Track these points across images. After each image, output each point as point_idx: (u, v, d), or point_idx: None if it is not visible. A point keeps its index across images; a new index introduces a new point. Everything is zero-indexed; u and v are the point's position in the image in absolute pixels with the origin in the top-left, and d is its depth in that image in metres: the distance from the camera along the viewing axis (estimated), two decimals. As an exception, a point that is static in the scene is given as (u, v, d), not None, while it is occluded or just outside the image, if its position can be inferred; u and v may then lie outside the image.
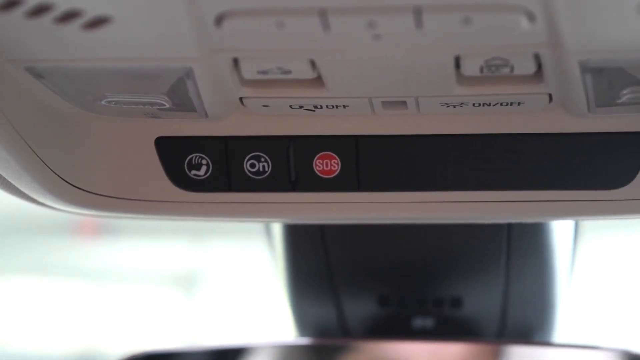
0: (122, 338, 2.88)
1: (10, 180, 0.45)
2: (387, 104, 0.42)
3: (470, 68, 0.38)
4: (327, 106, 0.42)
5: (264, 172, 0.45)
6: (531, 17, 0.34)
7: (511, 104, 0.41)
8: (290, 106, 0.42)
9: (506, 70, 0.38)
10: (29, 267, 3.07)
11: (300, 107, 0.42)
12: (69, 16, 0.34)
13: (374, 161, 0.45)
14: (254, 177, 0.45)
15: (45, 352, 2.89)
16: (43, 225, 2.89)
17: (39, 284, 3.06)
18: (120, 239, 3.09)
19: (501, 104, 0.41)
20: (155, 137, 0.45)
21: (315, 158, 0.45)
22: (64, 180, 0.45)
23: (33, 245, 3.04)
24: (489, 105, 0.42)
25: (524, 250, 0.65)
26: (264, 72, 0.39)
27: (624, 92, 0.40)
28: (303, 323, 0.71)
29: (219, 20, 0.34)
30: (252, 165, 0.45)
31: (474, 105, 0.42)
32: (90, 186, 0.46)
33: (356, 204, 0.45)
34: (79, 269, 3.07)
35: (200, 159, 0.45)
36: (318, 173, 0.45)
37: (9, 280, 3.08)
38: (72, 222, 3.03)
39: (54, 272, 3.08)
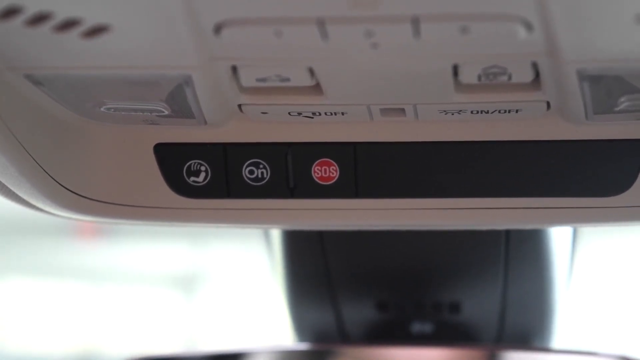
0: (122, 339, 2.88)
1: (9, 186, 0.45)
2: (385, 111, 0.42)
3: (468, 76, 0.38)
4: (325, 113, 0.42)
5: (263, 178, 0.45)
6: (529, 27, 0.34)
7: (509, 111, 0.41)
8: (289, 113, 0.42)
9: (504, 78, 0.38)
10: (29, 268, 3.07)
11: (299, 114, 0.42)
12: (68, 25, 0.34)
13: (373, 168, 0.45)
14: (252, 183, 0.45)
15: (44, 353, 2.89)
16: (43, 226, 2.89)
17: (39, 285, 3.06)
18: (120, 241, 3.09)
19: (499, 112, 0.42)
20: (154, 143, 0.45)
21: (314, 165, 0.45)
22: (63, 186, 0.45)
23: (33, 246, 3.04)
24: (487, 112, 0.42)
25: (522, 255, 0.65)
26: (262, 80, 0.39)
27: (622, 99, 0.40)
28: (301, 328, 0.71)
29: (218, 28, 0.34)
30: (251, 172, 0.45)
31: (472, 112, 0.42)
32: (90, 192, 0.46)
33: (354, 211, 0.45)
34: (79, 270, 3.07)
35: (199, 166, 0.45)
36: (316, 180, 0.45)
37: (9, 281, 3.08)
38: (72, 224, 3.03)
39: (54, 273, 3.08)
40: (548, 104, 0.41)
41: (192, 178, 0.45)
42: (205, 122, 0.43)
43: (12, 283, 3.08)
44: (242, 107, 0.42)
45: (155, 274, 3.08)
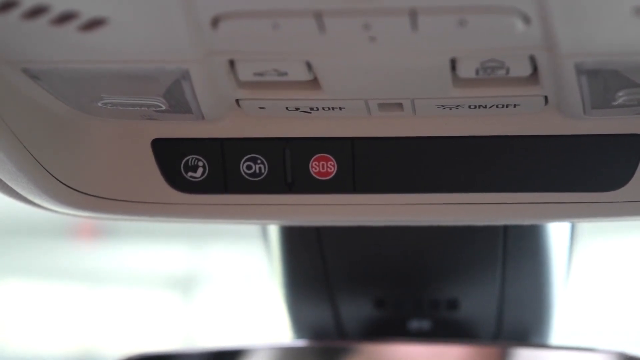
0: (120, 340, 2.88)
1: (6, 181, 0.45)
2: (383, 106, 0.42)
3: (466, 70, 0.38)
4: (323, 108, 0.42)
5: (261, 173, 0.45)
6: (526, 20, 0.34)
7: (507, 106, 0.41)
8: (287, 108, 0.42)
9: (502, 73, 0.38)
10: (27, 270, 3.07)
11: (297, 109, 0.42)
12: (65, 18, 0.34)
13: (370, 163, 0.45)
14: (250, 178, 0.45)
15: (43, 354, 2.89)
16: (41, 227, 2.89)
17: (38, 286, 3.06)
18: (118, 242, 3.09)
19: (497, 106, 0.42)
20: (152, 138, 0.45)
21: (312, 160, 0.45)
22: (60, 181, 0.45)
23: (31, 247, 3.04)
24: (485, 107, 0.42)
25: (520, 253, 0.65)
26: (260, 74, 0.39)
27: (620, 94, 0.40)
28: (300, 325, 0.71)
29: (215, 22, 0.34)
30: (249, 167, 0.45)
31: (469, 107, 0.42)
32: (87, 188, 0.46)
33: (352, 206, 0.45)
34: (77, 271, 3.07)
35: (196, 161, 0.45)
36: (314, 175, 0.45)
37: (7, 282, 3.08)
38: (71, 225, 3.03)
39: (52, 275, 3.08)
40: (546, 98, 0.41)
41: (190, 173, 0.45)
42: (203, 117, 0.43)
43: (11, 285, 3.08)
44: (240, 102, 0.42)
45: (154, 275, 3.08)
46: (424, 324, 0.68)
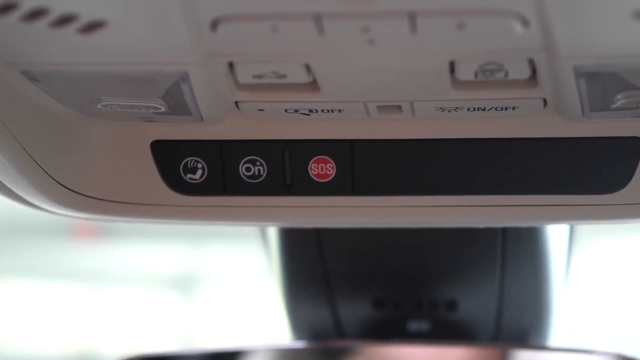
0: (120, 341, 2.88)
1: (5, 183, 0.45)
2: (382, 109, 0.42)
3: (465, 73, 0.38)
4: (322, 110, 0.42)
5: (259, 175, 0.45)
6: (525, 22, 0.34)
7: (506, 108, 0.42)
8: (286, 110, 0.42)
9: (501, 75, 0.38)
10: (26, 270, 3.07)
11: (296, 111, 0.42)
12: (65, 20, 0.34)
13: (369, 165, 0.45)
14: (249, 180, 0.45)
15: (43, 354, 2.89)
16: (40, 227, 2.89)
17: (37, 287, 3.06)
18: (118, 242, 3.09)
19: (496, 109, 0.42)
20: (151, 140, 0.45)
21: (311, 162, 0.45)
22: (60, 183, 0.45)
23: (31, 247, 3.04)
24: (484, 109, 0.42)
25: (519, 253, 0.65)
26: (259, 76, 0.39)
27: (619, 97, 0.40)
28: (298, 326, 0.71)
29: (215, 24, 0.34)
30: (248, 169, 0.45)
31: (468, 109, 0.42)
32: (86, 189, 0.46)
33: (351, 208, 0.45)
34: (76, 271, 3.07)
35: (195, 163, 0.45)
36: (313, 177, 0.45)
37: (7, 282, 3.08)
38: (70, 225, 3.03)
39: (51, 275, 3.08)
40: (545, 101, 0.41)
41: (189, 175, 0.45)
42: (202, 119, 0.43)
43: (11, 285, 3.08)
44: (239, 104, 0.42)
45: (154, 275, 3.08)
46: (423, 325, 0.68)
